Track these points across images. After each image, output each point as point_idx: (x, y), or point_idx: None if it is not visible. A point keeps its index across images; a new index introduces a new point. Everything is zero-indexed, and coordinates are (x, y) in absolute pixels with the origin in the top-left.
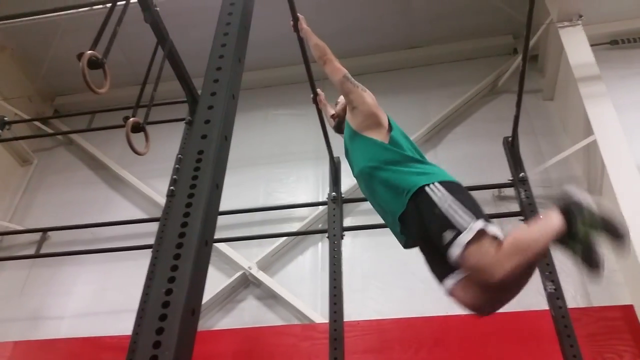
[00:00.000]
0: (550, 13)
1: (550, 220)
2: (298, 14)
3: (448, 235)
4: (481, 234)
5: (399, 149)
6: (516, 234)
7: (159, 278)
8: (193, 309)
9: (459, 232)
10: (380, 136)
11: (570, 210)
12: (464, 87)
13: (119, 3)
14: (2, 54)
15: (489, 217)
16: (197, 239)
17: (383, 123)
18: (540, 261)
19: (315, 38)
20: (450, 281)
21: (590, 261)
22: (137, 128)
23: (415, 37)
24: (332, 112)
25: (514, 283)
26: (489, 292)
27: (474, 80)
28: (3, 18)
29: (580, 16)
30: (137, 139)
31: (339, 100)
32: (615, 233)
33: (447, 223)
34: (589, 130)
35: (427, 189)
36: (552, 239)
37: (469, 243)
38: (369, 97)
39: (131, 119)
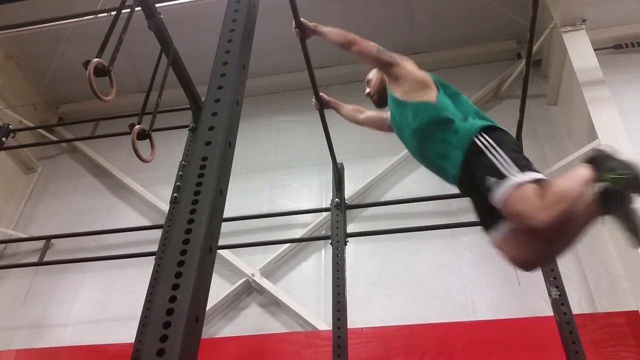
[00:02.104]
0: (553, 18)
1: (579, 170)
2: (301, 19)
3: (491, 180)
4: (524, 183)
5: (447, 109)
6: (554, 183)
7: (163, 285)
8: (197, 316)
9: (503, 178)
10: (427, 97)
11: (596, 161)
12: (467, 92)
13: (123, 11)
14: (8, 63)
15: (535, 169)
16: (201, 246)
17: (429, 85)
18: (581, 216)
19: (328, 29)
20: (496, 233)
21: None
22: (143, 135)
23: (418, 43)
24: (367, 90)
25: (558, 235)
26: (533, 244)
27: (477, 86)
28: (9, 27)
29: (584, 20)
30: (142, 146)
31: (370, 77)
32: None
33: (493, 170)
34: (593, 135)
35: (476, 140)
36: (584, 186)
37: (512, 189)
38: (409, 64)
39: (137, 126)
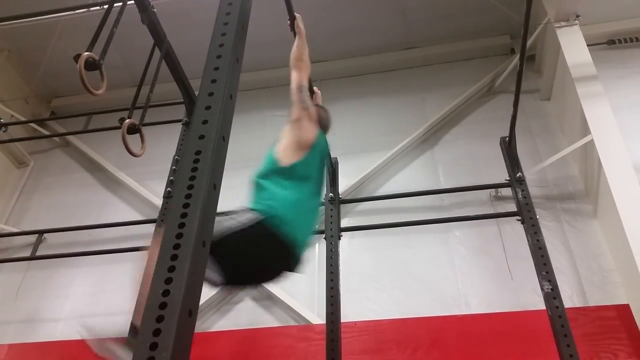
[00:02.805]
0: (547, 13)
1: None
2: (295, 14)
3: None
4: None
5: (289, 176)
6: None
7: (156, 279)
8: (190, 309)
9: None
10: (285, 157)
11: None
12: (461, 87)
13: (115, 4)
14: None
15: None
16: (194, 240)
17: (299, 149)
18: None
19: (303, 40)
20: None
21: None
22: (133, 129)
23: (412, 38)
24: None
25: None
26: None
27: (471, 81)
28: (0, 20)
29: (578, 16)
30: (133, 140)
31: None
32: None
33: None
34: (585, 130)
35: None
36: None
37: None
38: (306, 119)
39: (127, 121)
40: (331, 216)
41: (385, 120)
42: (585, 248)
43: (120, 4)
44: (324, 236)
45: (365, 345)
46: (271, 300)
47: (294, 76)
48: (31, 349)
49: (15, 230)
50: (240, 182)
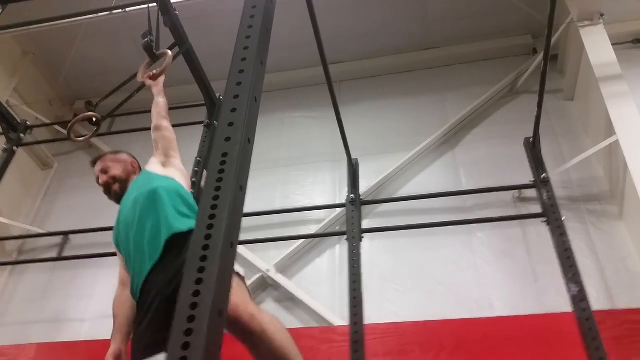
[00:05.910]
0: (570, 12)
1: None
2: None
3: None
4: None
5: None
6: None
7: (186, 280)
8: (220, 310)
9: None
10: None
11: None
12: (482, 87)
13: (136, 8)
14: (24, 59)
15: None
16: (222, 241)
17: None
18: None
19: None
20: None
21: None
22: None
23: (433, 38)
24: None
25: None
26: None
27: (493, 81)
28: (26, 24)
29: (602, 15)
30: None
31: (119, 158)
32: None
33: None
34: (610, 131)
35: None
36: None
37: None
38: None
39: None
40: (352, 217)
41: (405, 121)
42: (612, 250)
43: (141, 7)
44: (345, 237)
45: (388, 347)
46: (293, 301)
47: (168, 124)
48: (58, 348)
49: (41, 231)
50: (260, 183)
